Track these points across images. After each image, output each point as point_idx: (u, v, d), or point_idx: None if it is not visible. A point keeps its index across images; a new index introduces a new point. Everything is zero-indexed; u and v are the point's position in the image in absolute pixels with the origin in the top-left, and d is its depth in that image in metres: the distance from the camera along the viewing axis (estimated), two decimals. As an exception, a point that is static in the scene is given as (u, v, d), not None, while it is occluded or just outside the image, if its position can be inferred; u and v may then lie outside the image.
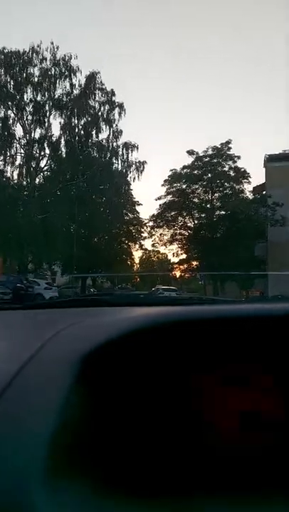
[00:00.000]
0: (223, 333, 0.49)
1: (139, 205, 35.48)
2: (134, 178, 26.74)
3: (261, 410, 0.50)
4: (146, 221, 32.66)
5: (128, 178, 26.57)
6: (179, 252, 31.87)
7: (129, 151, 25.39)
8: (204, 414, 0.50)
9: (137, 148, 25.35)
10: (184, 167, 28.31)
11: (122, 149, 25.33)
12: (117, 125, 25.24)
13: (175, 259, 34.83)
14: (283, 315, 0.49)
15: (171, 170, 28.74)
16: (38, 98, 23.51)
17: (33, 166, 23.79)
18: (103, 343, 0.47)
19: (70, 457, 0.38)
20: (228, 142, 27.84)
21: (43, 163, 24.48)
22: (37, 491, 0.33)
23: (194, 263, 32.87)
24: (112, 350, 0.47)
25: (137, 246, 37.31)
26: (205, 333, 0.49)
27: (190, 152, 28.64)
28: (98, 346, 0.46)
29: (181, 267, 35.16)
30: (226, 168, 27.15)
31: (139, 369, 0.48)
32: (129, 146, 25.46)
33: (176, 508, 0.39)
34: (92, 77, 25.33)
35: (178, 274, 41.15)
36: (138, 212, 35.26)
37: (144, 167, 26.87)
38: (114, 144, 25.01)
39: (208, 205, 28.23)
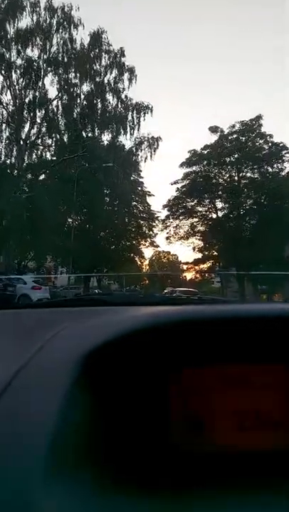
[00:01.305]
0: (223, 333, 0.50)
1: (150, 195, 30.69)
2: (146, 158, 22.32)
3: (261, 410, 0.50)
4: (158, 214, 28.07)
5: (138, 157, 22.10)
6: (200, 247, 27.16)
7: (141, 117, 20.45)
8: (204, 414, 0.50)
9: (151, 110, 20.44)
10: (206, 146, 23.72)
11: (132, 112, 20.47)
12: (126, 95, 20.67)
13: (189, 258, 30.08)
14: (283, 315, 0.49)
15: (190, 151, 24.19)
16: (30, 54, 19.07)
17: (23, 137, 19.35)
18: (103, 343, 0.47)
19: (71, 457, 0.38)
20: (258, 117, 23.21)
21: (34, 135, 19.99)
22: (38, 490, 0.33)
23: (206, 264, 28.23)
24: (112, 350, 0.47)
25: (148, 243, 32.24)
26: (205, 333, 0.49)
27: (213, 129, 24.08)
28: (98, 346, 0.46)
29: (196, 267, 30.58)
30: (263, 145, 22.35)
31: (140, 369, 0.49)
32: (141, 109, 20.51)
33: (176, 508, 0.40)
34: (97, 37, 20.84)
35: (189, 275, 36.75)
36: (149, 205, 30.45)
37: (158, 144, 22.40)
38: (122, 111, 20.35)
39: (236, 191, 23.46)
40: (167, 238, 27.21)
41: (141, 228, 30.33)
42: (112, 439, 0.45)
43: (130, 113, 20.41)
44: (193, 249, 27.78)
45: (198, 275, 36.58)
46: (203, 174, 23.41)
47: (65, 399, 0.40)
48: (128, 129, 20.44)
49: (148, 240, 31.07)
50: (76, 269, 29.39)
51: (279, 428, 0.50)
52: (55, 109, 19.96)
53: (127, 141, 20.99)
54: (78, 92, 20.38)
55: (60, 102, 19.98)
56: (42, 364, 0.47)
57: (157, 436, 0.48)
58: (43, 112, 19.51)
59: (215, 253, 26.57)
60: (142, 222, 30.32)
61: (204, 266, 29.87)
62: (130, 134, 20.47)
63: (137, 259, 32.66)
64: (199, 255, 27.88)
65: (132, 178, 25.24)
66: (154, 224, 30.18)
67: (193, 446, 0.49)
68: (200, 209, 25.27)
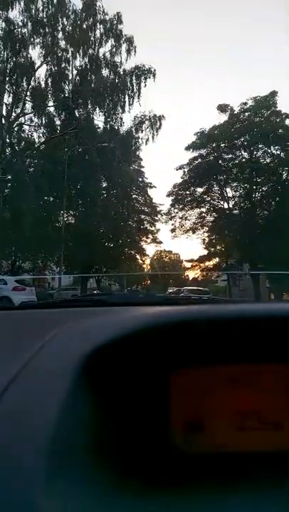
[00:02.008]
0: (223, 333, 0.50)
1: (152, 187, 27.90)
2: (148, 139, 19.71)
3: (261, 410, 0.51)
4: (160, 207, 25.39)
5: (139, 140, 19.46)
6: (210, 239, 24.46)
7: (142, 82, 17.47)
8: (205, 414, 0.51)
9: (154, 75, 17.57)
10: (214, 127, 21.09)
11: (131, 78, 17.57)
12: (125, 69, 17.97)
13: (194, 256, 27.42)
14: (283, 315, 0.49)
15: (197, 133, 21.56)
16: (11, 16, 16.41)
17: (4, 114, 16.71)
18: (103, 344, 0.47)
19: (71, 458, 0.38)
20: (273, 93, 20.58)
21: (17, 111, 17.30)
22: (38, 491, 0.33)
23: (212, 262, 25.62)
24: (112, 350, 0.47)
25: (150, 239, 29.33)
26: (205, 334, 0.49)
27: (222, 108, 21.47)
28: (99, 347, 0.47)
29: (201, 264, 27.95)
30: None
31: (140, 369, 0.49)
32: (141, 73, 17.53)
33: (176, 508, 0.40)
34: (90, 4, 18.22)
35: (192, 274, 34.27)
36: (151, 198, 27.64)
37: (160, 124, 19.76)
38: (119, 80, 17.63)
39: (251, 174, 20.77)
40: (172, 230, 24.43)
41: (142, 223, 27.62)
42: (113, 439, 0.45)
43: (129, 79, 17.60)
44: (203, 241, 25.15)
45: (202, 273, 34.05)
46: (214, 156, 20.68)
47: (66, 400, 0.40)
48: (127, 98, 17.62)
49: (150, 236, 28.39)
50: (72, 269, 26.82)
51: (279, 428, 0.50)
52: (42, 84, 17.38)
53: (125, 119, 18.45)
54: (69, 65, 17.82)
55: (48, 74, 17.35)
56: (42, 365, 0.47)
57: (158, 436, 0.48)
58: (28, 84, 16.89)
59: (223, 248, 23.95)
60: (143, 216, 27.64)
61: (210, 263, 27.29)
62: (129, 104, 17.65)
63: (138, 256, 29.87)
64: (204, 252, 25.31)
65: (131, 167, 22.62)
66: (156, 218, 27.54)
67: (193, 447, 0.49)
68: (208, 198, 22.53)
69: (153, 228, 28.42)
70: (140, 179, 26.86)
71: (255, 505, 0.41)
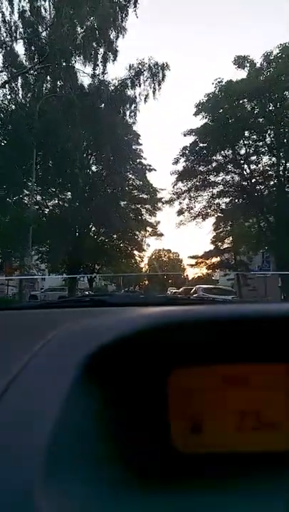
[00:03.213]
0: (223, 333, 0.50)
1: (151, 170, 23.31)
2: (147, 95, 15.24)
3: (261, 410, 0.51)
4: (161, 192, 20.92)
5: (137, 95, 14.97)
6: (223, 226, 20.07)
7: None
8: (204, 414, 0.51)
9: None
10: (232, 83, 16.61)
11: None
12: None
13: (197, 252, 23.03)
14: (283, 315, 0.50)
15: (208, 94, 17.08)
16: None
17: None
18: (103, 345, 0.47)
19: (71, 458, 0.39)
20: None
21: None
22: (38, 491, 0.33)
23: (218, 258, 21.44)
24: (112, 351, 0.47)
25: (148, 232, 24.58)
26: (205, 334, 0.50)
27: (239, 62, 17.01)
28: (98, 348, 0.47)
29: (207, 261, 23.66)
30: None
31: (140, 370, 0.49)
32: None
33: (176, 508, 0.40)
34: None
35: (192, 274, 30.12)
36: (150, 184, 23.03)
37: (164, 75, 15.32)
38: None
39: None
40: (179, 213, 19.52)
41: (140, 213, 23.05)
42: (112, 439, 0.45)
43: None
44: (215, 227, 20.68)
45: (202, 273, 29.86)
46: (236, 116, 16.13)
47: (65, 400, 0.41)
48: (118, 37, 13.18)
49: (147, 229, 23.69)
50: (57, 267, 22.32)
51: (278, 428, 0.50)
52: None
53: (118, 71, 13.95)
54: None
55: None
56: (42, 365, 0.47)
57: (157, 436, 0.48)
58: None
59: (235, 241, 19.60)
60: (139, 205, 23.06)
61: (217, 260, 23.05)
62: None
63: (135, 252, 25.24)
64: (211, 247, 20.99)
65: (126, 138, 18.14)
66: (157, 206, 22.98)
67: (192, 447, 0.49)
68: (225, 169, 17.94)
69: (152, 219, 23.97)
70: (138, 160, 22.41)
71: (254, 505, 0.41)
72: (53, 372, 0.45)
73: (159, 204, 22.32)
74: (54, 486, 0.35)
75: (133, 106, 15.35)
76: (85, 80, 14.40)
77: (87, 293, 23.87)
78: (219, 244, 21.83)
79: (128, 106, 15.05)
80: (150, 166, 22.96)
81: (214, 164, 17.71)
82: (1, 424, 0.38)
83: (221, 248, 21.79)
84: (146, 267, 58.39)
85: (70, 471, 0.37)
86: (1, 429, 0.38)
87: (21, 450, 0.36)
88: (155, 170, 23.40)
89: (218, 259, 22.79)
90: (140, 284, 52.41)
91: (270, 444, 0.49)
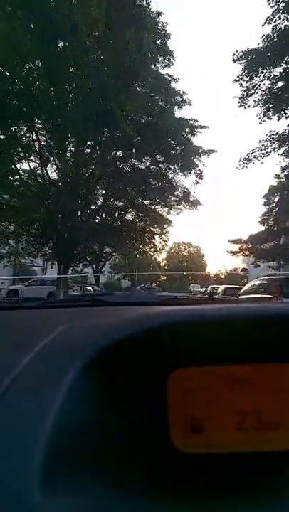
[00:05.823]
0: (224, 333, 0.50)
1: (203, 127, 15.64)
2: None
3: (262, 411, 0.51)
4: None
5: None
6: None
7: None
8: (204, 415, 0.51)
9: None
10: None
11: None
12: None
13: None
14: (283, 315, 0.50)
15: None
16: None
17: None
18: (103, 345, 0.48)
19: (70, 458, 0.39)
20: None
21: None
22: (36, 491, 0.34)
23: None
24: (111, 352, 0.48)
25: (177, 200, 17.23)
26: (205, 334, 0.50)
27: None
28: (98, 348, 0.47)
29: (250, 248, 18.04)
30: None
31: (139, 370, 0.50)
32: None
33: (176, 509, 0.41)
34: None
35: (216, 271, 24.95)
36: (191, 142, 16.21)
37: None
38: None
39: None
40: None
41: (166, 177, 16.59)
42: (112, 440, 0.45)
43: None
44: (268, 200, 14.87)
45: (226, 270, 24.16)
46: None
47: (66, 400, 0.41)
48: None
49: (177, 193, 16.51)
50: (47, 252, 17.37)
51: (279, 428, 0.50)
52: None
53: None
54: None
55: None
56: (42, 365, 0.48)
57: (157, 436, 0.49)
58: None
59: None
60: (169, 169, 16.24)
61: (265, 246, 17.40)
62: None
63: (156, 237, 18.98)
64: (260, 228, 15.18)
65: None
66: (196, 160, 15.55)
67: (192, 447, 0.49)
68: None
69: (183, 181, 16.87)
70: (176, 107, 15.61)
71: (255, 505, 0.41)
72: (53, 372, 0.45)
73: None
74: (54, 486, 0.35)
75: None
76: None
77: (89, 288, 18.77)
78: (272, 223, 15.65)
79: None
80: (196, 121, 15.91)
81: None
82: (0, 424, 0.38)
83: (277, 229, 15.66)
84: (164, 261, 53.49)
85: (69, 471, 0.38)
86: (1, 429, 0.38)
87: (20, 450, 0.36)
88: (207, 127, 16.39)
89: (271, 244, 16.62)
90: (158, 281, 47.78)
91: (270, 444, 0.49)
